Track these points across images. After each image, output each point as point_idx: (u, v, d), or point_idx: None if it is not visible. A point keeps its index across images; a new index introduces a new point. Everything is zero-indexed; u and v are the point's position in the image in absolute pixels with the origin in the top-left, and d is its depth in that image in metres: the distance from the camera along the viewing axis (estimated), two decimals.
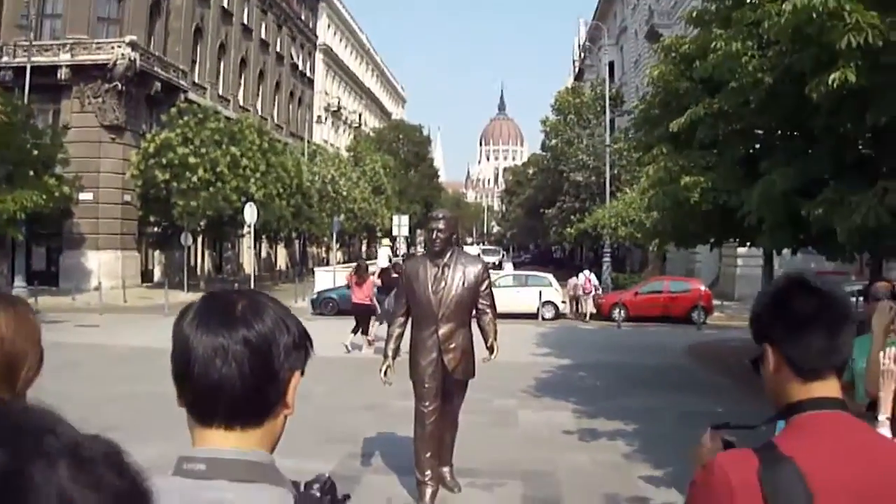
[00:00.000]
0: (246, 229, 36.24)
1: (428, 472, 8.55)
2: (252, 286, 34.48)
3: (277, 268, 70.27)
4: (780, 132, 15.21)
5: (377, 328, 22.23)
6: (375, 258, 47.07)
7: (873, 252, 15.64)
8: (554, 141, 65.05)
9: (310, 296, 37.60)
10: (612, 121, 55.63)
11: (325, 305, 35.39)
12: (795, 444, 2.03)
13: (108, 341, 23.27)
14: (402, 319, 8.89)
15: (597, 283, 37.89)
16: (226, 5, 61.52)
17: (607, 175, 50.23)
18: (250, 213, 35.54)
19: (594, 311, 35.27)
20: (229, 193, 43.06)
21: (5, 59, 43.05)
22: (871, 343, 4.77)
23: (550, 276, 37.27)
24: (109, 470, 0.99)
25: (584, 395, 15.70)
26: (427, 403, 8.52)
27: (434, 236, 8.65)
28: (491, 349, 8.86)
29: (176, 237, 45.54)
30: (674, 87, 16.26)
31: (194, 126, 44.11)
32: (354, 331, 22.44)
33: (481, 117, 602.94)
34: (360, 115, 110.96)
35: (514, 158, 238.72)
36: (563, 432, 12.39)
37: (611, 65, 69.60)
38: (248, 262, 48.95)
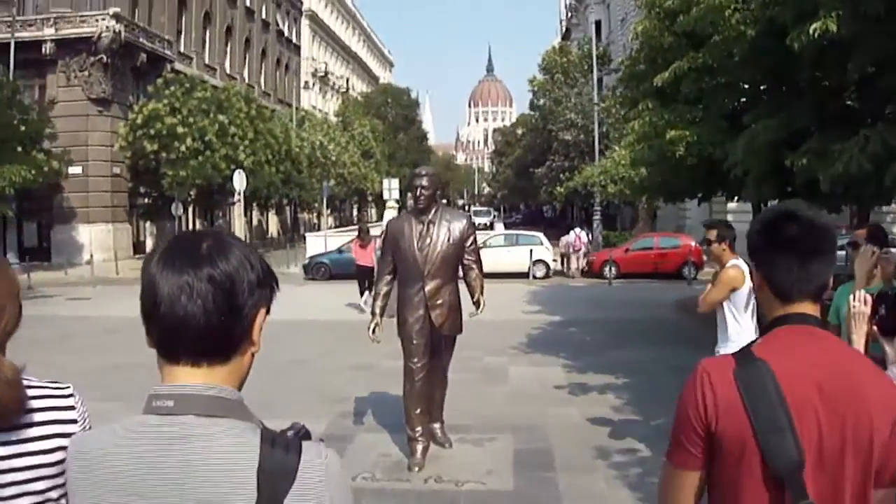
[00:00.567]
0: (236, 197, 36.14)
1: (419, 429, 8.58)
2: None
3: (269, 235, 70.13)
4: (764, 85, 15.20)
5: None
6: (369, 221, 46.95)
7: (859, 201, 15.71)
8: (542, 100, 64.96)
9: (301, 261, 37.60)
10: (600, 80, 55.38)
11: (317, 270, 35.38)
12: (767, 349, 2.26)
13: (100, 313, 23.27)
14: (388, 277, 8.89)
15: (587, 240, 37.90)
16: None
17: (596, 133, 50.07)
18: (239, 181, 35.55)
19: (585, 268, 35.29)
20: (218, 162, 43.05)
21: None
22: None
23: (541, 235, 37.18)
24: None
25: (574, 351, 15.81)
26: (416, 360, 8.54)
27: (418, 193, 8.62)
28: (477, 304, 8.84)
29: (167, 208, 45.36)
30: (658, 43, 16.18)
31: (181, 96, 43.97)
32: (361, 292, 22.41)
33: (470, 79, 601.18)
34: (347, 80, 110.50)
35: (503, 120, 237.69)
36: (553, 387, 12.49)
37: (597, 24, 69.13)
38: (240, 230, 49.04)
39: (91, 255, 38.09)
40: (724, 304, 7.66)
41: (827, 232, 2.36)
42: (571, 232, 37.18)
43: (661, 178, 18.77)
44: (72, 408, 2.24)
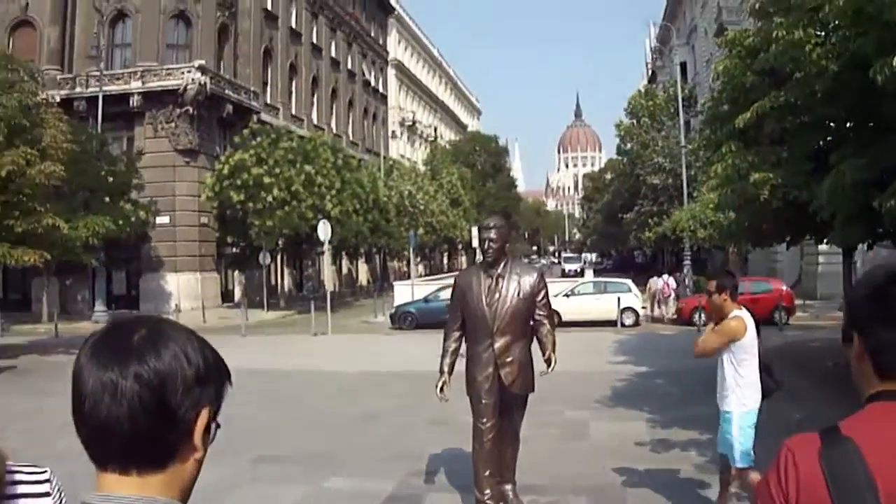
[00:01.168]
0: (326, 246, 36.35)
1: (487, 492, 8.22)
2: (330, 303, 34.44)
3: (358, 283, 70.54)
4: (849, 123, 14.61)
5: None
6: (457, 270, 46.77)
7: None
8: (629, 145, 64.60)
9: (388, 310, 37.50)
10: (687, 122, 54.88)
11: (403, 320, 35.36)
12: (859, 427, 1.96)
13: None
14: (457, 334, 8.61)
15: (674, 286, 37.35)
16: (294, 26, 62.13)
17: (684, 176, 49.46)
18: (324, 231, 35.59)
19: (674, 315, 34.71)
20: (305, 211, 43.39)
21: (78, 89, 44.08)
22: None
23: (630, 283, 36.76)
24: None
25: (660, 404, 15.36)
26: (485, 420, 8.22)
27: (486, 246, 8.33)
28: (549, 361, 8.42)
29: (254, 257, 45.95)
30: (740, 82, 15.73)
31: (267, 146, 44.63)
32: None
33: (558, 125, 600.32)
34: (435, 129, 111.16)
35: (592, 165, 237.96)
36: (634, 444, 12.00)
37: (683, 65, 68.77)
38: (329, 279, 49.23)
39: (177, 303, 38.53)
40: (725, 356, 7.63)
41: None
42: (660, 279, 36.66)
43: (748, 222, 18.27)
44: (47, 494, 2.09)
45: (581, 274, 64.84)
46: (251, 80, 53.74)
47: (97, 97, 39.85)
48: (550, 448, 11.40)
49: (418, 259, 68.91)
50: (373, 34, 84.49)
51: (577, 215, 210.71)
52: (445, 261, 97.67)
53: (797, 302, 34.52)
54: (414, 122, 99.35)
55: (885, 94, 11.16)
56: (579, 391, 16.28)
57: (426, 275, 68.68)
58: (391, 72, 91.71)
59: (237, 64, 53.27)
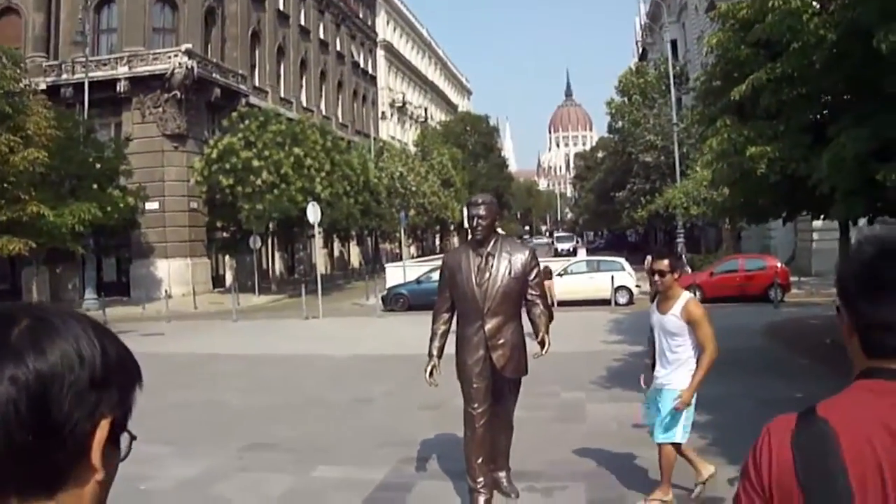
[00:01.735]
0: (317, 229, 36.10)
1: (480, 479, 7.92)
2: (321, 286, 34.20)
3: (350, 266, 70.30)
4: (848, 94, 14.27)
5: None
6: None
7: None
8: (620, 123, 64.35)
9: (381, 292, 37.25)
10: (678, 99, 54.66)
11: (395, 301, 35.23)
12: (834, 405, 1.90)
13: (169, 350, 22.96)
14: (446, 315, 8.32)
15: None
16: (281, 8, 61.80)
17: (676, 154, 49.26)
18: (313, 213, 35.25)
19: None
20: (295, 194, 43.02)
21: (65, 76, 43.92)
22: None
23: (623, 261, 36.55)
24: None
25: None
26: (476, 405, 7.91)
27: (475, 223, 8.04)
28: (542, 343, 8.03)
29: (245, 241, 45.79)
30: (734, 55, 15.44)
31: (256, 129, 44.22)
32: None
33: (549, 105, 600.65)
34: (425, 110, 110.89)
35: (584, 144, 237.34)
36: (632, 426, 11.71)
37: (673, 42, 68.55)
38: (321, 262, 48.98)
39: (167, 290, 38.33)
40: (690, 335, 7.72)
41: None
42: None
43: (743, 197, 17.98)
44: None
45: (574, 253, 64.68)
46: (239, 63, 53.45)
47: (83, 83, 39.54)
48: (546, 431, 11.14)
49: (410, 241, 68.73)
50: (361, 15, 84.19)
51: (568, 194, 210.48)
52: (437, 242, 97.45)
53: (792, 279, 34.29)
54: (404, 104, 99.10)
55: (887, 63, 10.84)
56: (574, 371, 16.02)
57: (418, 256, 68.40)
58: (380, 53, 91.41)
59: (224, 47, 52.98)
